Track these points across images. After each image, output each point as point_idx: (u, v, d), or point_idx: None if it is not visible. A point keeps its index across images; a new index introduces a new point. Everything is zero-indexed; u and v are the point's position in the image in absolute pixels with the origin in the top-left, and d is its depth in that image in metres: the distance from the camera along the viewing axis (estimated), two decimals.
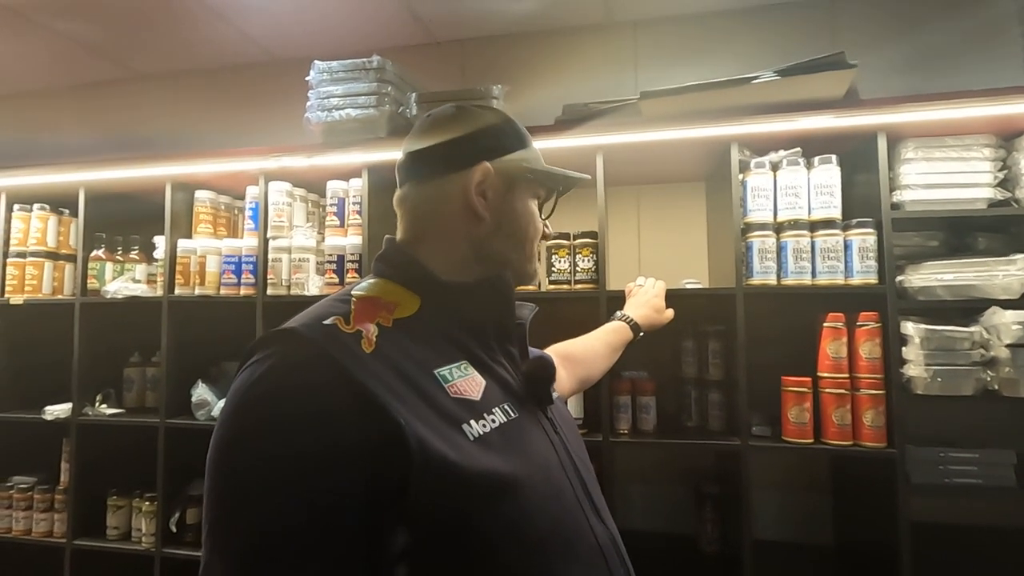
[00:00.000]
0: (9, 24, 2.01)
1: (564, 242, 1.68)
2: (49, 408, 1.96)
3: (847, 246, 1.53)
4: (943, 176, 1.50)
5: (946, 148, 1.51)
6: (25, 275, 2.04)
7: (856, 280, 1.51)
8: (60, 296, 2.07)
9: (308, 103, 1.65)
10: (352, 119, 1.59)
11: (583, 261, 1.66)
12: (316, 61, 1.64)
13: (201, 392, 1.90)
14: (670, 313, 1.42)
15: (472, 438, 0.57)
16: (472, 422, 0.58)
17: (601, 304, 1.59)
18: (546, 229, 0.77)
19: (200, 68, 2.35)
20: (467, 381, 0.62)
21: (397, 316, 0.63)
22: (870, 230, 1.51)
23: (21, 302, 2.02)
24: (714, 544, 1.71)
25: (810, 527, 1.79)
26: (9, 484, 2.02)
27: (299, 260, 1.84)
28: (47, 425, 1.94)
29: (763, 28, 1.92)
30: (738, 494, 1.53)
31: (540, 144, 0.79)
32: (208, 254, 1.91)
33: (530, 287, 1.66)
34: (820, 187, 1.55)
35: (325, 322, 0.59)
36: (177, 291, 1.92)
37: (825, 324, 1.53)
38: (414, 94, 1.57)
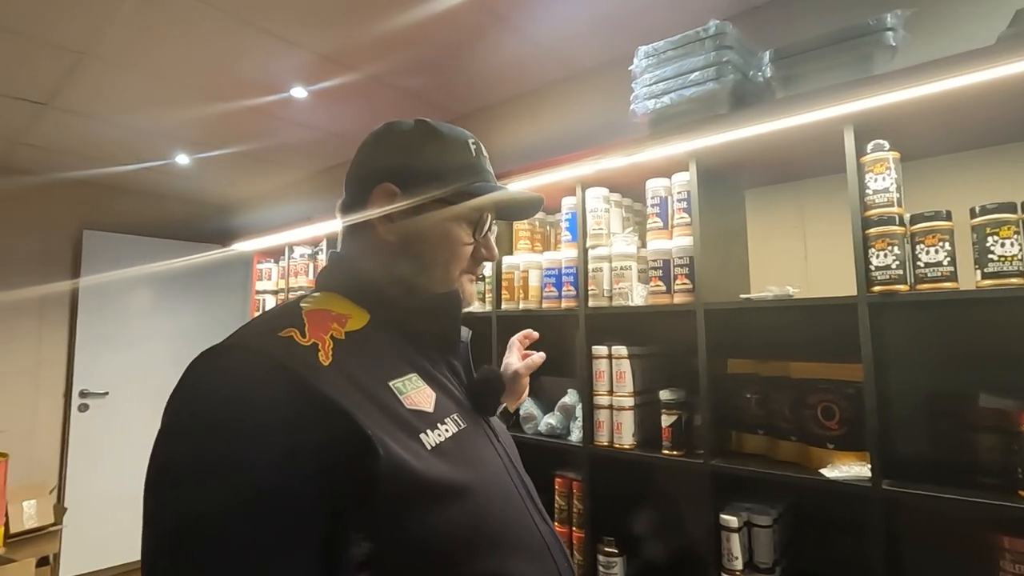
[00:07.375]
0: (371, 89, 2.42)
1: (1009, 215, 1.16)
2: None
3: None
4: None
5: None
6: None
7: None
8: None
9: (633, 94, 1.51)
10: (686, 100, 1.38)
11: None
12: (639, 47, 1.49)
13: (527, 405, 1.91)
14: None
15: (429, 447, 0.58)
16: (428, 432, 0.59)
17: None
18: (484, 252, 0.74)
19: (504, 97, 2.49)
20: (419, 393, 0.62)
21: (349, 329, 0.62)
22: None
23: None
24: None
25: None
26: None
27: (621, 268, 1.70)
28: None
29: None
30: None
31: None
32: (530, 268, 1.93)
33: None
34: None
35: (279, 334, 0.57)
36: (503, 306, 1.99)
37: None
38: (768, 52, 1.28)
